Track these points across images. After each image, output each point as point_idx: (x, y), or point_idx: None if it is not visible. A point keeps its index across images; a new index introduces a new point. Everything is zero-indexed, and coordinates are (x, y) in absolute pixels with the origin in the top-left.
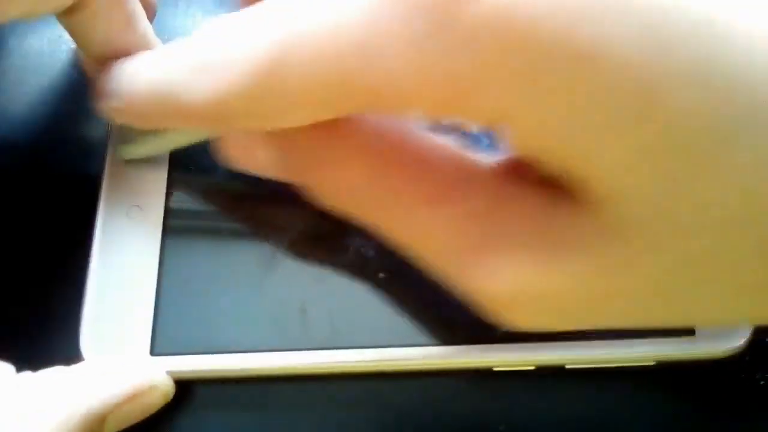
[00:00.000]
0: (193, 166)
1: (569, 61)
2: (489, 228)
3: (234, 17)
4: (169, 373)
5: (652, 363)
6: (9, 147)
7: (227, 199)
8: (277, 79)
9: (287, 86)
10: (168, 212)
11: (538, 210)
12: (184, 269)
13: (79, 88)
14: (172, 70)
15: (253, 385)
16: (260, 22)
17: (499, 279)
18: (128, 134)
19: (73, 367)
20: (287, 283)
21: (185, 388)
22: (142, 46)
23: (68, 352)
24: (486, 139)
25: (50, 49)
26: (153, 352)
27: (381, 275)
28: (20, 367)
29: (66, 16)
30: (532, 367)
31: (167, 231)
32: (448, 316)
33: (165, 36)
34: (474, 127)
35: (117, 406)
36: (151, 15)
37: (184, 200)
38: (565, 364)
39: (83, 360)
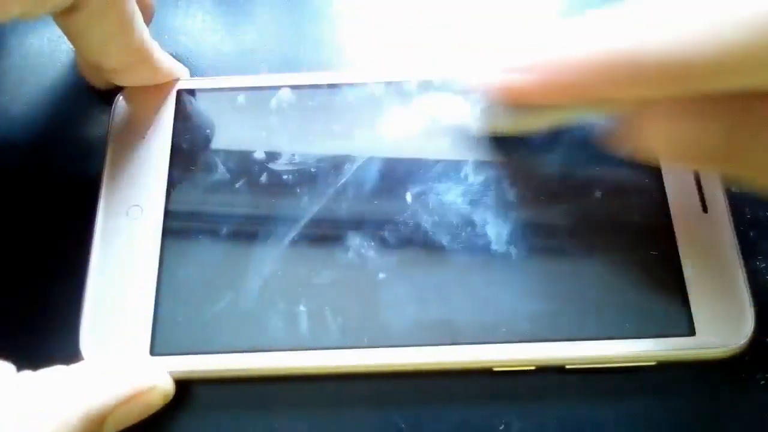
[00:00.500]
0: (193, 166)
1: None
2: None
3: None
4: (168, 373)
5: (652, 363)
6: (9, 147)
7: (226, 198)
8: None
9: None
10: (168, 212)
11: None
12: (183, 269)
13: (79, 88)
14: (651, 34)
15: (253, 384)
16: None
17: None
18: (503, 110)
19: (73, 366)
20: (287, 283)
21: (185, 388)
22: (139, 47)
23: (68, 352)
24: None
25: (50, 49)
26: (153, 352)
27: (381, 275)
28: (20, 366)
29: (63, 17)
30: (532, 367)
31: (167, 231)
32: (449, 316)
33: (166, 36)
34: None
35: (117, 406)
36: (148, 16)
37: (184, 200)
38: (565, 364)
39: (83, 360)
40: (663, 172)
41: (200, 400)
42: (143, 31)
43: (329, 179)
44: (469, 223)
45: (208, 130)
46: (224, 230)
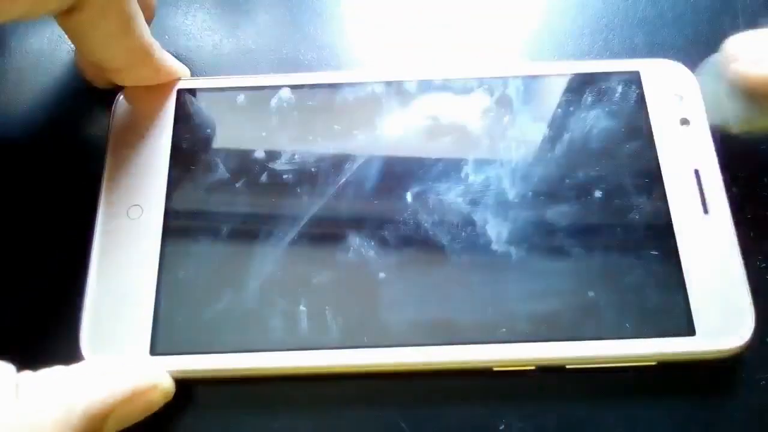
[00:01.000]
0: (193, 166)
1: None
2: None
3: None
4: (168, 372)
5: (652, 363)
6: (9, 147)
7: (227, 198)
8: None
9: None
10: (168, 212)
11: None
12: (183, 269)
13: (79, 88)
14: None
15: (253, 384)
16: None
17: None
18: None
19: (73, 366)
20: (287, 283)
21: (185, 388)
22: (140, 46)
23: (68, 352)
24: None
25: (50, 48)
26: (153, 352)
27: (381, 275)
28: (21, 366)
29: (65, 17)
30: (532, 367)
31: (167, 230)
32: (449, 315)
33: (166, 36)
34: None
35: (118, 405)
36: (149, 16)
37: (184, 200)
38: (565, 364)
39: (83, 360)
40: (664, 172)
41: (200, 400)
42: (145, 30)
43: (329, 179)
44: (469, 222)
45: (208, 130)
46: (224, 230)
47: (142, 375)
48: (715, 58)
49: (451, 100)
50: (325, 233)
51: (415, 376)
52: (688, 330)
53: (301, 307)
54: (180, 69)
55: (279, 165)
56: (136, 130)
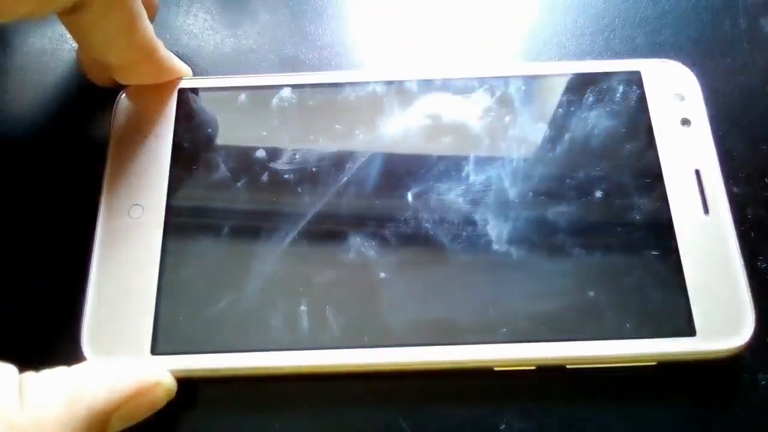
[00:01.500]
0: (194, 165)
1: None
2: None
3: None
4: (170, 372)
5: (652, 363)
6: (10, 146)
7: (228, 198)
8: None
9: None
10: (169, 211)
11: None
12: (185, 268)
13: (81, 87)
14: None
15: (254, 384)
16: None
17: None
18: None
19: (75, 366)
20: (288, 283)
21: (186, 387)
22: (143, 45)
23: (70, 352)
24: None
25: (52, 48)
26: (154, 351)
27: (381, 275)
28: (22, 367)
29: (68, 16)
30: (532, 367)
31: (168, 230)
32: (449, 315)
33: (167, 35)
34: None
35: (121, 404)
36: (152, 14)
37: (185, 199)
38: (565, 364)
39: (85, 360)
40: (664, 172)
41: (201, 400)
42: (148, 28)
43: (330, 178)
44: (470, 222)
45: (209, 130)
46: (225, 229)
47: (145, 373)
48: None
49: (452, 100)
50: (326, 233)
51: (416, 376)
52: (689, 330)
53: (302, 307)
54: (182, 68)
55: (280, 164)
56: (138, 130)
